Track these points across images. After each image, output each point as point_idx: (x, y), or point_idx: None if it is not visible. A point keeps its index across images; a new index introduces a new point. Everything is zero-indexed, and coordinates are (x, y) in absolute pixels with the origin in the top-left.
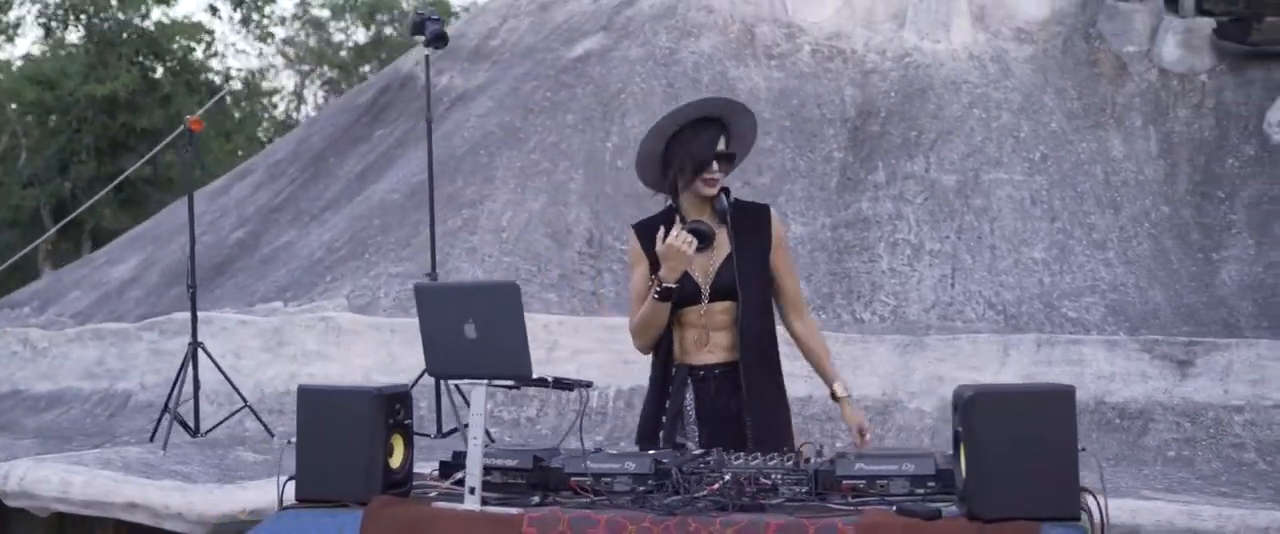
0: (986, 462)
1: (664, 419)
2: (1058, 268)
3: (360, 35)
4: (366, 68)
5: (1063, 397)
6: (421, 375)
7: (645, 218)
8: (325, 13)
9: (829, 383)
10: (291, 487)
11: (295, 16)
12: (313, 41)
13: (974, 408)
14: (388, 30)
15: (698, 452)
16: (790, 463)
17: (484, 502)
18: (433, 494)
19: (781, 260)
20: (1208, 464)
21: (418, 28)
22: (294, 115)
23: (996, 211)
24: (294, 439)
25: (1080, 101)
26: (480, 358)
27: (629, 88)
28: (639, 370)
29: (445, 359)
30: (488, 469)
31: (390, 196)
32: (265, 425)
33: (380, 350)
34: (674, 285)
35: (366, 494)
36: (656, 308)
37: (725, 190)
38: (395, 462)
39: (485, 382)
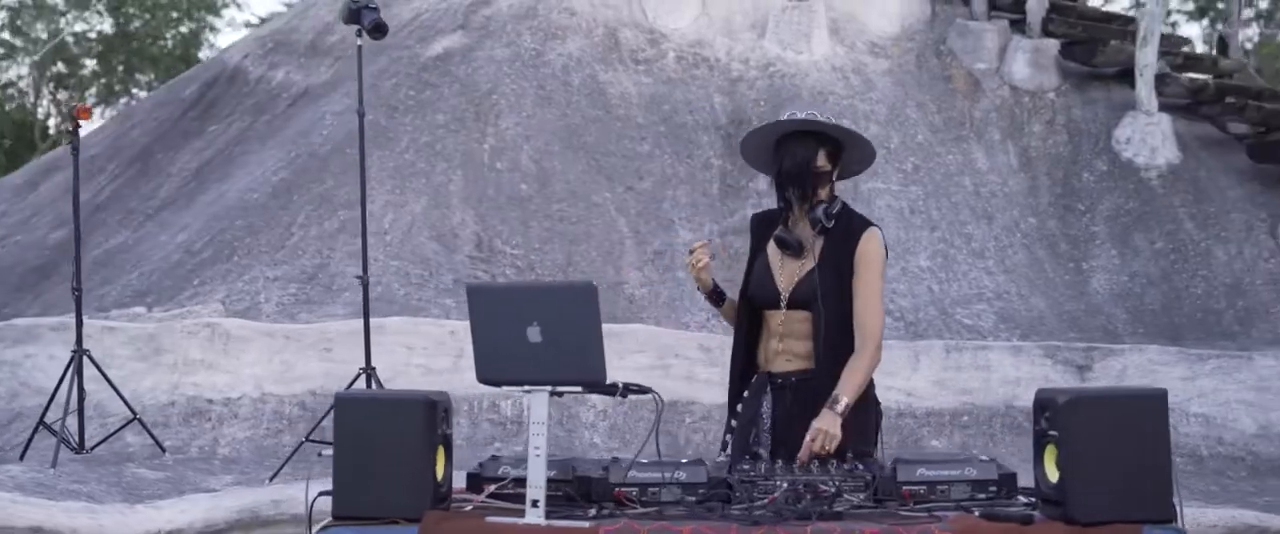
0: (1084, 466)
1: (733, 423)
2: (944, 276)
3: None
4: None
5: (1155, 399)
6: (355, 380)
7: (766, 209)
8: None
9: (831, 399)
10: (323, 502)
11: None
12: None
13: (1070, 412)
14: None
15: (761, 461)
16: (847, 469)
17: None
18: (469, 508)
19: (860, 283)
20: None
21: (354, 16)
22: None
23: (880, 220)
24: (325, 451)
25: (940, 115)
26: (545, 362)
27: (500, 89)
28: None
29: (501, 364)
30: (520, 481)
31: (250, 196)
32: (156, 440)
33: (273, 359)
34: (705, 292)
35: (417, 510)
36: (720, 311)
37: (836, 200)
38: (439, 474)
39: (548, 388)
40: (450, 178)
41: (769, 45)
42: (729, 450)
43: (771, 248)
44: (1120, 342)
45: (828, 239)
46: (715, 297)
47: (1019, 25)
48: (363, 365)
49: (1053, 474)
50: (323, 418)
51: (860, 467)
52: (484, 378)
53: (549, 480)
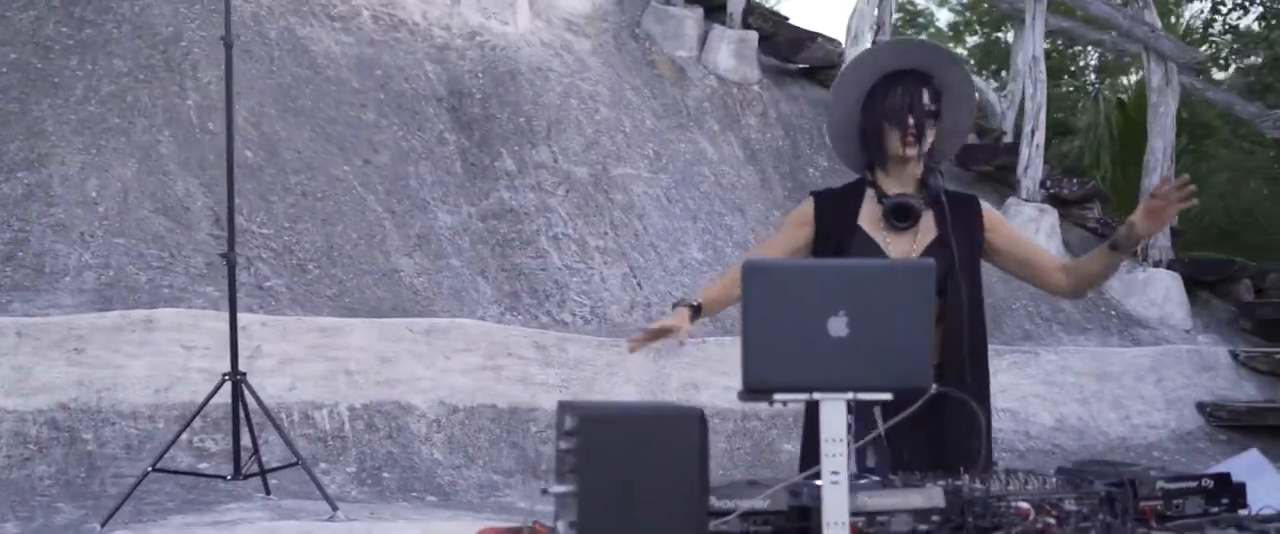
0: None
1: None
2: (720, 269)
3: None
4: None
5: None
6: (218, 387)
7: (829, 187)
8: None
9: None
10: None
11: None
12: None
13: None
14: None
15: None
16: (1063, 484)
17: None
18: None
19: (1010, 233)
20: None
21: None
22: None
23: (642, 209)
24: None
25: (657, 101)
26: (851, 364)
27: (186, 35)
28: (369, 385)
29: (784, 366)
30: (716, 514)
31: None
32: None
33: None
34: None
35: None
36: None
37: (938, 171)
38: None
39: (849, 395)
40: (158, 138)
41: (468, 12)
42: (856, 467)
43: (868, 223)
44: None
45: (941, 209)
46: (696, 313)
47: (722, 17)
48: (228, 371)
49: None
50: (179, 434)
51: (1059, 479)
52: (755, 384)
53: (756, 514)
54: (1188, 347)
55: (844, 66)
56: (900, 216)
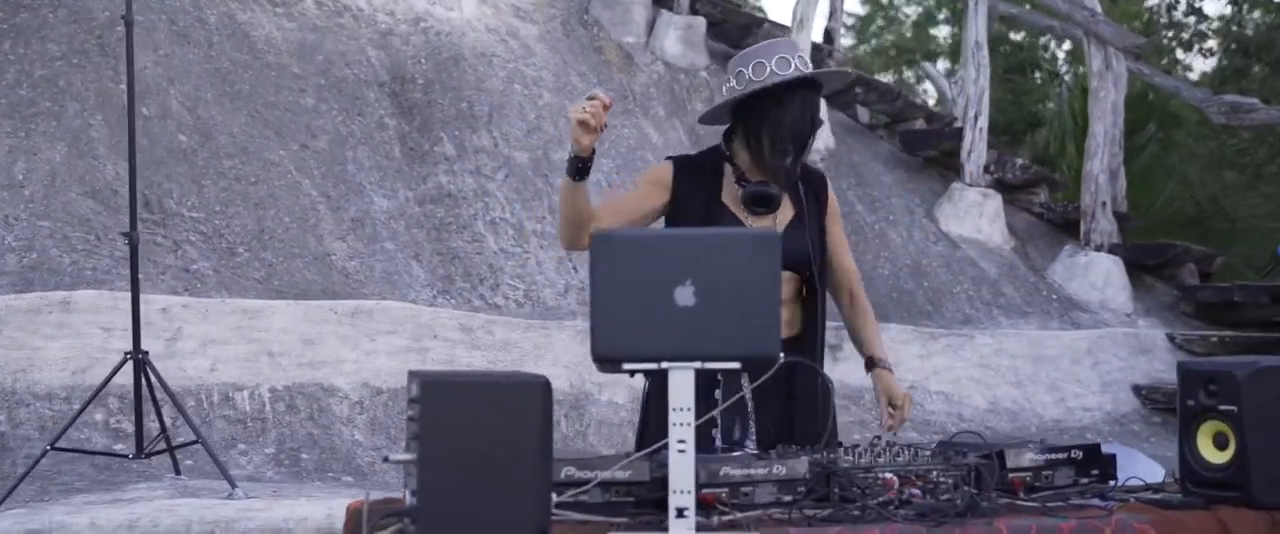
0: (1270, 444)
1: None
2: None
3: None
4: None
5: None
6: (120, 366)
7: (688, 153)
8: None
9: (874, 358)
10: None
11: None
12: None
13: (1253, 386)
14: None
15: (752, 450)
16: (932, 455)
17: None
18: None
19: (840, 232)
20: None
21: None
22: None
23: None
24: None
25: (602, 87)
26: (699, 333)
27: (120, 19)
28: (292, 367)
29: (633, 335)
30: (572, 484)
31: None
32: None
33: None
34: (586, 157)
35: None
36: (569, 187)
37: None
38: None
39: (696, 364)
40: (89, 122)
41: None
42: (720, 440)
43: (731, 201)
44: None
45: (796, 190)
46: (584, 168)
47: (661, 3)
48: (130, 349)
49: (1215, 455)
50: (79, 413)
51: (927, 451)
52: (604, 354)
53: (619, 483)
54: (1125, 329)
55: (776, 55)
56: (760, 204)
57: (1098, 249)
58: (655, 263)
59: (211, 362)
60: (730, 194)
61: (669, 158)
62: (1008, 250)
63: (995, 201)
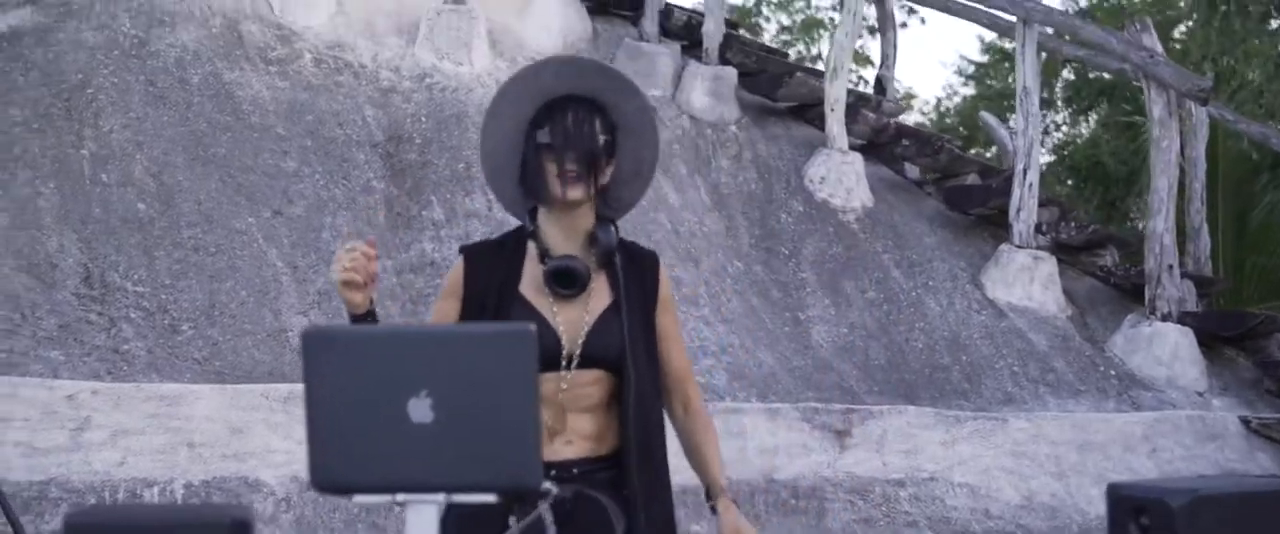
0: None
1: None
2: None
3: None
4: None
5: None
6: None
7: (483, 240)
8: None
9: (713, 488)
10: None
11: None
12: None
13: (1187, 519)
14: None
15: None
16: None
17: None
18: None
19: (672, 325)
20: None
21: None
22: None
23: None
24: None
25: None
26: (441, 456)
27: (96, 81)
28: (214, 459)
29: (359, 459)
30: None
31: None
32: None
33: None
34: (362, 313)
35: None
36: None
37: (612, 223)
38: None
39: (441, 497)
40: (39, 190)
41: (423, 53)
42: None
43: (530, 287)
44: (859, 401)
45: (614, 271)
46: (368, 317)
47: (690, 51)
48: None
49: None
50: None
51: None
52: (325, 482)
53: None
54: (1191, 411)
55: (500, 87)
56: (563, 283)
57: (1165, 318)
58: (381, 367)
59: (122, 454)
60: (531, 279)
61: (461, 248)
62: (1063, 320)
63: (1048, 265)
